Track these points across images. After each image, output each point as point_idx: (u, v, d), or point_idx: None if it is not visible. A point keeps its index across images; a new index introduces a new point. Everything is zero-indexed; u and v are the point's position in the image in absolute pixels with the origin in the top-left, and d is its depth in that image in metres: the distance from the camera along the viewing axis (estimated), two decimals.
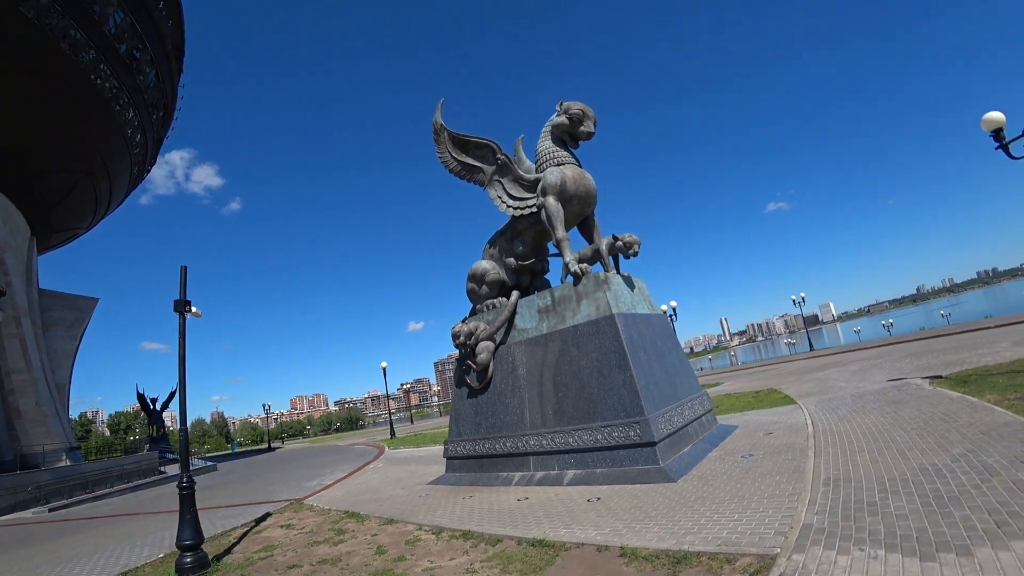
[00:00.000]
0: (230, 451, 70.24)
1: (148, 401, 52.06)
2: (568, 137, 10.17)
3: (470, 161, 11.23)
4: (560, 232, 9.46)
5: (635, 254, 9.19)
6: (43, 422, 24.81)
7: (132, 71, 27.85)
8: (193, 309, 7.55)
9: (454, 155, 11.38)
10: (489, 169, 10.98)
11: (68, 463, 23.96)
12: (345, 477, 14.40)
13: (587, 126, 9.89)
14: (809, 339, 44.36)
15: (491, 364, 9.95)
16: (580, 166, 10.15)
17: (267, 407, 66.15)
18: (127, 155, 31.94)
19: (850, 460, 5.46)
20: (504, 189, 10.75)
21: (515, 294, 10.15)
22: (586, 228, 10.53)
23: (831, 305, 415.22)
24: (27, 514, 15.86)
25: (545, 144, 10.27)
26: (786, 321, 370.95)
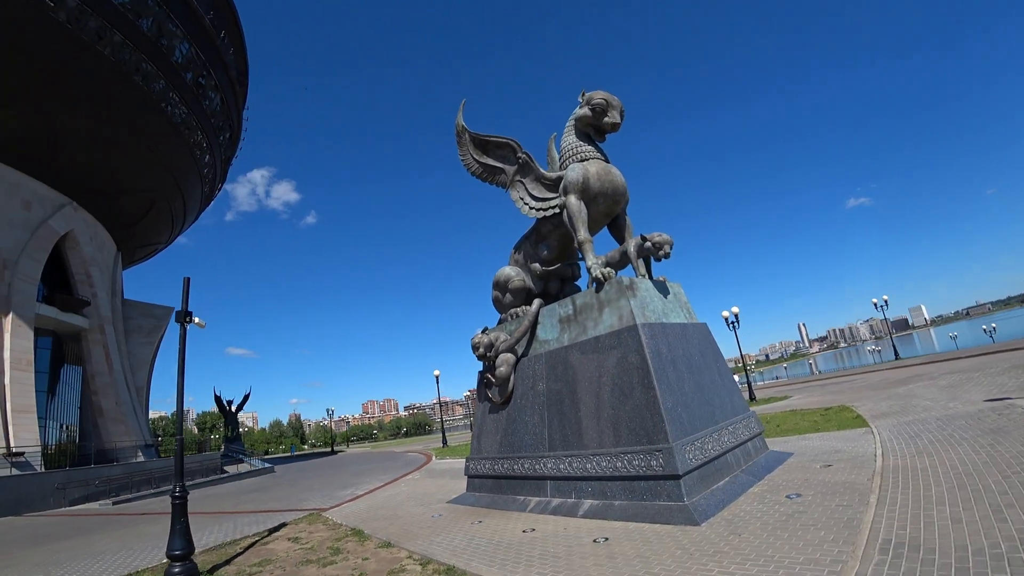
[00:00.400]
0: (289, 453, 73.39)
1: (224, 403, 55.74)
2: (592, 130, 9.39)
3: (491, 162, 10.71)
4: (582, 233, 8.70)
5: (666, 255, 8.25)
6: (122, 420, 27.01)
7: (198, 97, 29.87)
8: (196, 320, 7.53)
9: (475, 157, 10.91)
10: (510, 169, 10.41)
11: (142, 459, 25.88)
12: (378, 488, 14.24)
13: (612, 116, 9.07)
14: (894, 346, 39.84)
15: (511, 378, 9.31)
16: (607, 161, 9.35)
17: (330, 412, 68.98)
18: (197, 175, 34.33)
19: (923, 514, 4.29)
20: (526, 190, 10.13)
21: (537, 302, 9.46)
22: (616, 229, 9.69)
23: (923, 308, 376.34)
24: (95, 505, 17.09)
25: (568, 140, 9.56)
26: (871, 326, 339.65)
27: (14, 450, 19.13)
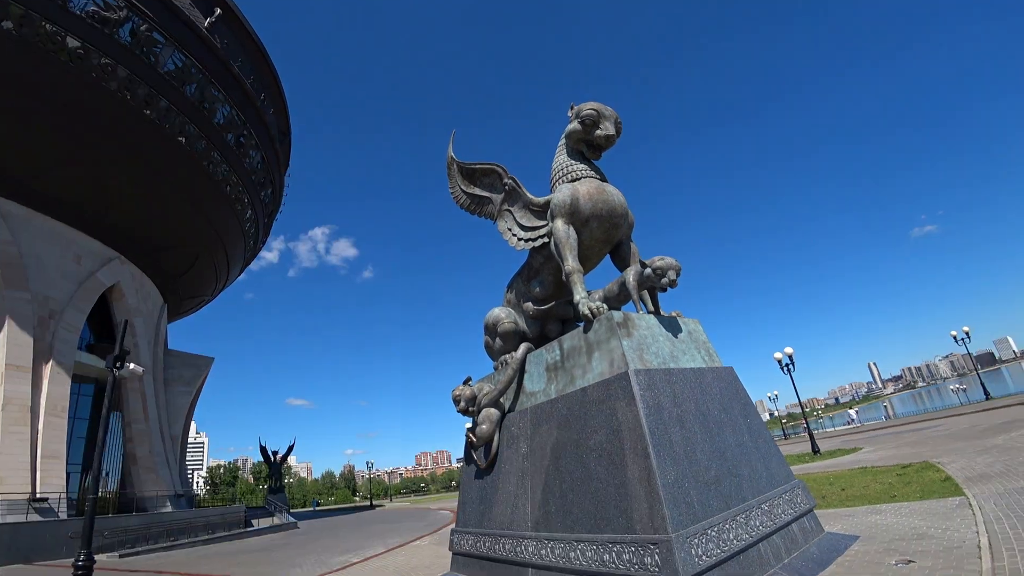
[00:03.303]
0: (312, 508, 69.56)
1: (269, 453, 55.80)
2: (585, 146, 8.28)
3: (478, 192, 9.77)
4: (570, 263, 7.44)
5: (672, 284, 6.74)
6: (153, 469, 27.09)
7: (239, 156, 31.43)
8: (131, 365, 6.80)
9: (463, 188, 10.01)
10: (497, 198, 9.40)
11: (169, 509, 25.63)
12: (377, 555, 12.86)
13: (604, 128, 7.94)
14: (983, 384, 34.69)
15: (495, 437, 7.92)
16: (603, 180, 8.17)
17: (370, 464, 67.93)
18: (240, 231, 35.73)
19: None
20: (514, 219, 9.03)
21: (523, 347, 8.15)
22: (620, 259, 8.37)
23: (1010, 340, 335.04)
24: (103, 557, 16.46)
25: (559, 160, 8.50)
26: (952, 362, 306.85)
27: (39, 496, 19.19)
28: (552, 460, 6.47)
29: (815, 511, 6.91)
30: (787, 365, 22.64)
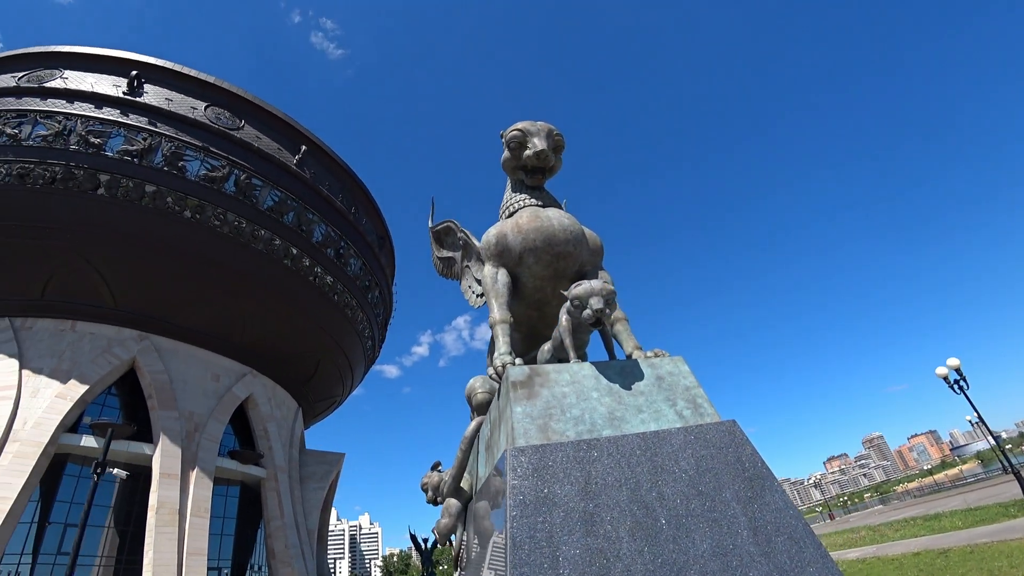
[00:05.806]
0: None
1: (419, 541, 56.44)
2: (522, 173, 7.20)
3: (446, 253, 9.18)
4: (494, 313, 6.28)
5: (599, 314, 4.96)
6: (289, 563, 28.89)
7: (340, 266, 35.15)
8: (114, 471, 7.04)
9: (436, 253, 9.53)
10: (458, 256, 8.72)
11: None
12: None
13: (533, 145, 6.76)
14: None
15: (459, 532, 6.63)
16: (549, 206, 6.96)
17: None
18: (354, 333, 39.10)
19: None
20: (472, 275, 8.21)
21: (473, 423, 6.92)
22: None
23: None
24: None
25: (504, 196, 7.58)
26: None
27: None
28: (477, 565, 5.00)
29: None
30: (956, 382, 16.77)
